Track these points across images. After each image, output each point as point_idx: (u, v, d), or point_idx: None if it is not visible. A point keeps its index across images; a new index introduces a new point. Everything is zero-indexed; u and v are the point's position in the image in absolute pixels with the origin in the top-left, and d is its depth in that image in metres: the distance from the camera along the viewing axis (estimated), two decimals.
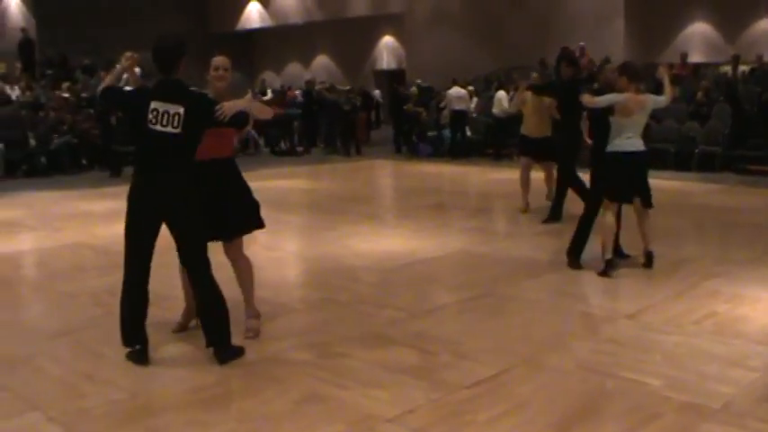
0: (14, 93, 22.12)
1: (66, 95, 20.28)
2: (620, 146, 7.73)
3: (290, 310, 7.11)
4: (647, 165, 8.02)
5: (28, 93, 21.93)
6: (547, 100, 10.95)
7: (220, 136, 5.89)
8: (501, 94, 20.11)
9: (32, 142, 18.24)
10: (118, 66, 5.95)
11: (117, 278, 7.88)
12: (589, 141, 8.60)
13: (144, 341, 5.59)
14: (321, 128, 23.55)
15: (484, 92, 23.85)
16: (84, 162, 18.74)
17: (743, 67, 20.46)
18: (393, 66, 32.81)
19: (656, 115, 16.85)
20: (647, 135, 8.55)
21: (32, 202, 13.97)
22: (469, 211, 12.64)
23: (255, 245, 10.19)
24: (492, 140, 20.49)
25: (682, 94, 18.08)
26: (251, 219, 6.26)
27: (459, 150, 20.58)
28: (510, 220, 11.56)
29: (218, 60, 6.05)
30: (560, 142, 10.58)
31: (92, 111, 19.66)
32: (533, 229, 10.62)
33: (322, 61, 35.37)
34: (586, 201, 8.60)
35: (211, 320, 5.60)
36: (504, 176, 16.29)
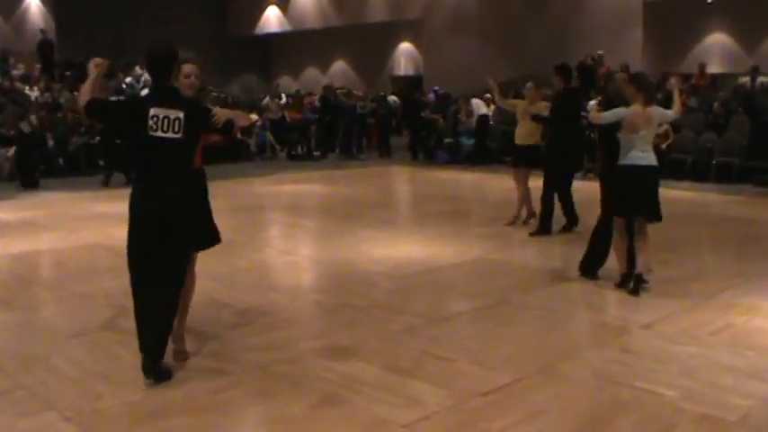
0: (33, 93, 22.29)
1: None
2: (629, 159, 7.59)
3: (307, 314, 7.14)
4: (657, 179, 7.76)
5: (47, 94, 22.08)
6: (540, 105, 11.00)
7: None
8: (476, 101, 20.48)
9: (50, 143, 18.34)
10: (90, 74, 5.58)
11: (127, 280, 8.01)
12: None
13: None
14: (338, 133, 23.58)
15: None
16: (101, 163, 18.80)
17: (761, 79, 20.37)
18: (410, 72, 32.84)
19: (673, 125, 16.83)
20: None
21: (49, 202, 14.06)
22: (487, 218, 12.63)
23: (270, 248, 10.28)
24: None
25: (699, 105, 18.03)
26: (206, 236, 6.04)
27: (478, 157, 20.58)
28: (527, 229, 11.54)
29: (189, 68, 5.82)
30: (554, 155, 10.62)
31: None
32: (550, 237, 10.61)
33: (339, 66, 35.45)
34: (568, 219, 8.60)
35: (155, 335, 5.32)
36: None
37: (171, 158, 5.32)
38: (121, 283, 7.92)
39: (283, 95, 25.05)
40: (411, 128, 23.59)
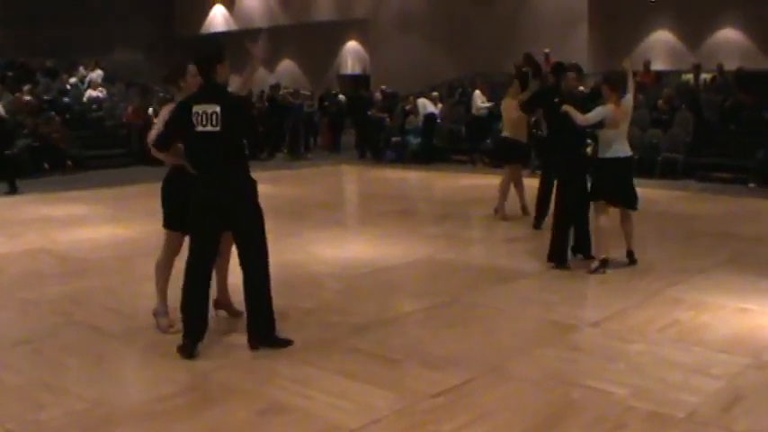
0: None
1: (28, 98, 20.01)
2: (613, 152, 8.26)
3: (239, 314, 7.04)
4: (632, 169, 8.69)
5: None
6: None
7: None
8: (477, 93, 20.34)
9: None
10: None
11: (78, 286, 7.87)
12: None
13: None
14: (285, 133, 23.42)
15: (448, 97, 23.91)
16: (45, 166, 18.48)
17: (704, 76, 20.65)
18: (357, 71, 32.76)
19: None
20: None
21: None
22: (435, 217, 12.63)
23: None
24: (468, 143, 20.62)
25: (645, 102, 18.21)
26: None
27: (426, 156, 20.61)
28: (476, 227, 11.56)
29: (194, 68, 6.10)
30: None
31: (54, 114, 19.44)
32: (499, 235, 10.64)
33: (286, 66, 35.22)
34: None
35: (259, 310, 5.92)
36: (469, 183, 16.34)
37: (215, 151, 5.74)
38: (66, 289, 7.84)
39: None
40: (357, 126, 23.55)
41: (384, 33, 28.91)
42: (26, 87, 21.11)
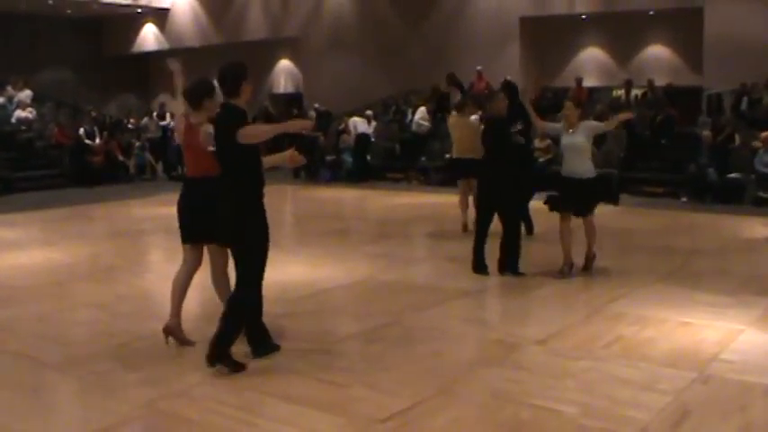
0: None
1: None
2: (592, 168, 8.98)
3: (191, 344, 6.86)
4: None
5: None
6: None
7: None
8: (422, 109, 20.43)
9: None
10: None
11: (10, 313, 7.62)
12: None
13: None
14: None
15: (382, 115, 23.92)
16: None
17: (635, 92, 20.97)
18: (290, 89, 32.62)
19: (554, 138, 17.18)
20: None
21: None
22: (373, 236, 12.55)
23: (152, 274, 9.93)
24: (403, 161, 20.64)
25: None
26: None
27: (360, 175, 20.56)
28: (414, 246, 11.50)
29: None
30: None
31: None
32: (438, 254, 10.60)
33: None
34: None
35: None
36: (406, 201, 16.31)
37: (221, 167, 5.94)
38: (8, 313, 7.56)
39: (168, 115, 24.37)
40: (291, 146, 23.39)
41: (316, 51, 28.83)
42: None
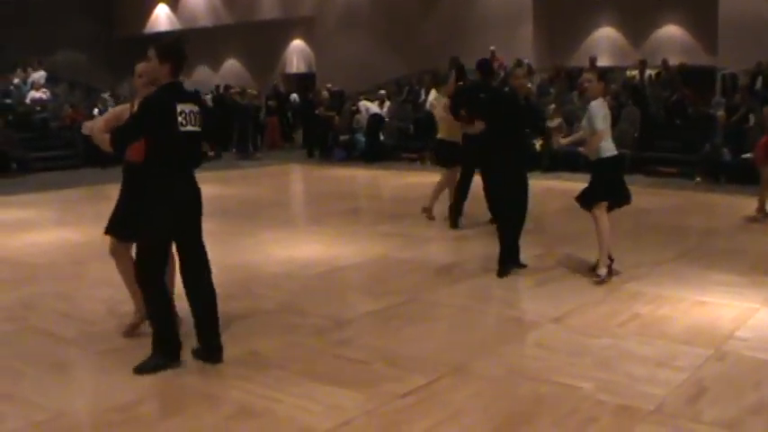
0: None
1: None
2: (611, 150, 8.09)
3: None
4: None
5: None
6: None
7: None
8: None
9: None
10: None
11: (30, 291, 7.69)
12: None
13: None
14: (233, 132, 23.26)
15: (396, 95, 23.92)
16: None
17: (649, 72, 20.90)
18: (303, 69, 32.61)
19: (568, 119, 17.18)
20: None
21: None
22: (387, 215, 12.60)
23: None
24: (417, 141, 20.63)
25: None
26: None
27: (374, 154, 20.60)
28: (428, 225, 11.52)
29: (142, 67, 5.91)
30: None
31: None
32: (452, 233, 10.63)
33: (231, 65, 34.95)
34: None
35: (210, 320, 5.72)
36: (419, 180, 16.33)
37: (196, 151, 5.69)
38: (19, 294, 7.64)
39: None
40: (305, 125, 23.50)
41: (330, 31, 28.81)
42: None
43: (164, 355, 5.54)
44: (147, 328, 5.83)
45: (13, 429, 4.64)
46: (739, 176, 15.36)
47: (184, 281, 5.71)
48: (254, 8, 31.24)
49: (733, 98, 17.90)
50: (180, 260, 5.74)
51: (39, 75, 23.96)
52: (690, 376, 5.32)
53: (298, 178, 19.37)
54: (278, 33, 32.18)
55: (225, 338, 5.98)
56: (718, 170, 15.98)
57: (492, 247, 8.53)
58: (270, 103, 25.20)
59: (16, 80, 23.80)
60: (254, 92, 25.42)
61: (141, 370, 5.45)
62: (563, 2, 24.14)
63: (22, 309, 7.14)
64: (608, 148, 7.98)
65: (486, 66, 11.09)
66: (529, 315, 6.88)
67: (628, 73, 21.57)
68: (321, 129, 22.44)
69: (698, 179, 15.91)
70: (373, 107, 21.45)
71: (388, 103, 22.49)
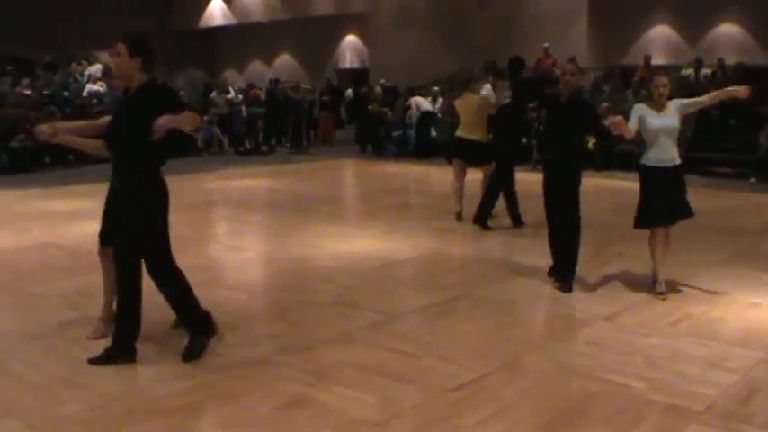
0: None
1: (28, 92, 19.94)
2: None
3: (268, 312, 7.07)
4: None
5: None
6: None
7: None
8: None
9: None
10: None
11: (88, 279, 7.85)
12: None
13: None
14: (286, 127, 23.44)
15: (448, 92, 23.89)
16: (46, 160, 18.42)
17: (705, 71, 20.67)
18: (356, 65, 32.77)
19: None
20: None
21: None
22: (438, 211, 12.61)
23: (222, 245, 10.16)
24: None
25: (647, 97, 18.22)
26: None
27: (426, 150, 20.62)
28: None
29: (111, 62, 6.03)
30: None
31: (54, 108, 19.35)
32: (503, 230, 10.64)
33: (284, 60, 35.22)
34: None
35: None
36: (472, 177, 16.30)
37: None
38: (77, 282, 7.82)
39: (231, 89, 24.65)
40: (358, 121, 23.61)
41: (383, 27, 28.89)
42: (26, 81, 21.04)
43: (203, 334, 5.78)
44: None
45: (73, 413, 4.77)
46: None
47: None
48: (308, 3, 31.45)
49: None
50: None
51: (95, 68, 24.28)
52: (741, 378, 5.31)
53: (350, 173, 19.45)
54: (331, 29, 32.38)
55: (279, 330, 6.07)
56: None
57: (542, 243, 8.45)
58: (323, 98, 25.35)
59: (76, 73, 24.15)
60: (308, 87, 25.58)
61: (192, 355, 5.63)
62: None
63: (80, 296, 7.30)
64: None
65: (516, 63, 11.15)
66: (580, 313, 6.88)
67: (682, 71, 21.36)
68: (374, 124, 22.51)
69: (753, 180, 15.73)
70: (425, 103, 21.47)
71: (440, 100, 22.47)
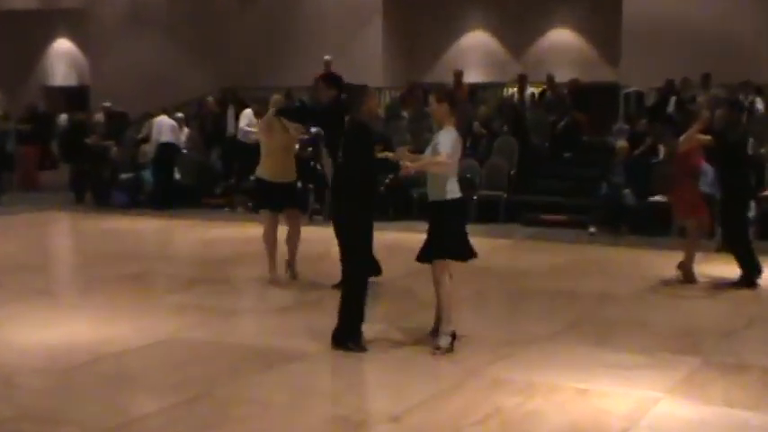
0: None
1: None
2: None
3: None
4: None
5: None
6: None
7: None
8: (247, 112, 20.44)
9: None
10: None
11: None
12: None
13: None
14: None
15: (196, 120, 23.80)
16: None
17: (531, 89, 21.35)
18: (72, 81, 32.18)
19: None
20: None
21: None
22: (182, 282, 12.53)
23: None
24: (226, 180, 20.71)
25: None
26: None
27: (166, 199, 20.41)
28: (236, 294, 11.56)
29: None
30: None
31: None
32: (267, 304, 10.68)
33: None
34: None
35: None
36: (227, 234, 16.36)
37: None
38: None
39: None
40: (73, 159, 23.17)
41: (108, 29, 28.49)
42: None
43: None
44: None
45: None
46: (645, 225, 15.85)
47: None
48: None
49: (638, 125, 18.41)
50: None
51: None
52: None
53: (61, 230, 19.06)
54: (35, 30, 31.60)
55: None
56: (619, 218, 16.47)
57: (320, 322, 8.58)
58: (22, 127, 24.75)
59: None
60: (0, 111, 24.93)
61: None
62: None
63: None
64: (453, 190, 8.38)
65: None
66: (359, 413, 6.94)
67: (505, 91, 22.02)
68: (95, 164, 22.12)
69: (592, 229, 16.35)
70: (166, 132, 21.08)
71: (186, 130, 22.36)
